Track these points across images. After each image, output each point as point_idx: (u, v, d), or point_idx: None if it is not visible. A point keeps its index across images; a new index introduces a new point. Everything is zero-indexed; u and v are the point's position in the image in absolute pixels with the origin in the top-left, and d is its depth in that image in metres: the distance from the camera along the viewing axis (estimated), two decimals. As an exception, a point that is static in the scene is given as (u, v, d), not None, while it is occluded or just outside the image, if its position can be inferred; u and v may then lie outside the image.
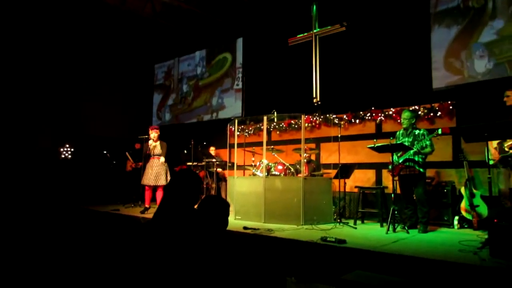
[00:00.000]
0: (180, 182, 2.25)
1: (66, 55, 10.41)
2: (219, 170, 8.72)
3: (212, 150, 9.15)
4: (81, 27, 10.39)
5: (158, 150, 7.21)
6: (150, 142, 7.24)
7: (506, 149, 4.64)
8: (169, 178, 7.11)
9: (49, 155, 9.83)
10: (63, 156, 9.47)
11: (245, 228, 5.26)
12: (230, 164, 7.70)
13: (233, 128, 8.22)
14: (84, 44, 10.70)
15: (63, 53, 10.34)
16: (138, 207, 8.26)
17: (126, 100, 11.82)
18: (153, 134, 7.24)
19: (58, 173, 9.83)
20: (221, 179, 8.89)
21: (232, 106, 10.10)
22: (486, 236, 3.93)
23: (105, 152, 9.79)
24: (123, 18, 10.24)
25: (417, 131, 5.42)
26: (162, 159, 7.22)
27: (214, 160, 8.45)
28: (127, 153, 9.49)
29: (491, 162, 4.78)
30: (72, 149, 9.79)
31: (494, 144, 4.73)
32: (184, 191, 2.21)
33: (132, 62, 11.88)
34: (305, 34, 8.08)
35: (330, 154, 7.68)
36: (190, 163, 8.72)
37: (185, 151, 8.94)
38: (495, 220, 3.63)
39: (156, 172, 7.12)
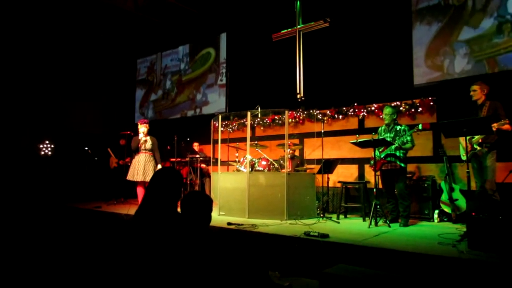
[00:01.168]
0: (161, 180, 2.24)
1: (45, 49, 10.18)
2: (203, 166, 8.70)
3: (195, 146, 9.11)
4: (61, 20, 10.17)
5: (149, 145, 7.00)
6: (141, 136, 6.98)
7: (475, 145, 4.76)
8: None
9: (28, 151, 9.62)
10: (43, 152, 9.28)
11: (229, 223, 5.26)
12: (214, 160, 7.68)
13: (217, 124, 8.17)
14: (64, 38, 10.48)
15: (41, 47, 10.11)
16: (120, 203, 8.18)
17: (108, 95, 11.63)
18: (143, 128, 6.97)
19: (39, 170, 9.64)
20: (205, 175, 8.86)
21: (216, 101, 10.06)
22: (465, 229, 4.02)
23: (86, 148, 9.64)
24: (104, 11, 10.06)
25: (398, 127, 5.51)
26: (158, 157, 7.10)
27: (197, 156, 8.42)
28: (109, 150, 9.37)
29: (464, 158, 4.90)
30: (53, 146, 9.60)
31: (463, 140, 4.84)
32: (165, 189, 2.20)
33: (114, 57, 11.69)
34: (289, 29, 8.09)
35: (314, 150, 7.74)
36: (173, 159, 8.67)
37: (169, 147, 8.88)
38: (473, 214, 3.71)
39: (144, 167, 6.90)
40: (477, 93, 4.88)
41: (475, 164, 4.91)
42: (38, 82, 10.08)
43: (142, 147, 6.98)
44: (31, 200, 8.60)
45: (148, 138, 7.04)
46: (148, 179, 6.79)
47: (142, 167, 6.90)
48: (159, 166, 7.03)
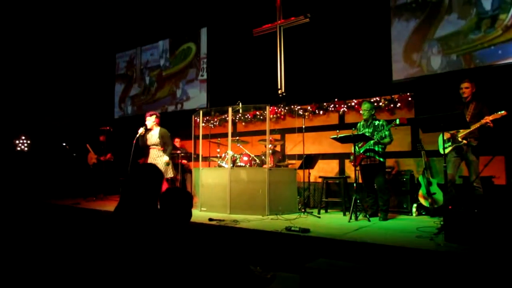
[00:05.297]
0: (141, 176, 2.20)
1: (22, 43, 9.90)
2: (184, 161, 8.63)
3: (177, 142, 9.02)
4: (38, 13, 9.89)
5: (155, 139, 6.16)
6: (141, 130, 6.16)
7: (459, 139, 4.87)
8: (171, 169, 6.21)
9: (4, 147, 9.36)
10: (19, 148, 9.05)
11: (210, 219, 5.24)
12: (195, 156, 7.63)
13: (198, 119, 8.13)
14: (42, 31, 10.21)
15: (18, 41, 9.83)
16: (100, 200, 8.06)
17: (86, 90, 11.40)
18: (148, 121, 6.17)
19: (15, 166, 9.40)
20: (186, 171, 8.80)
21: (197, 97, 9.98)
22: (442, 222, 4.11)
23: (64, 144, 9.45)
24: (82, 4, 9.84)
25: (376, 122, 5.58)
26: (166, 158, 6.12)
27: (179, 151, 8.34)
28: (88, 145, 9.21)
29: (446, 151, 5.00)
30: (29, 141, 9.38)
31: (448, 134, 4.95)
32: (145, 186, 2.17)
33: (92, 51, 11.46)
34: (270, 25, 8.08)
35: (295, 145, 7.78)
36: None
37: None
38: (450, 207, 3.80)
39: (160, 165, 5.93)
40: (469, 90, 4.98)
41: (457, 158, 5.00)
42: (14, 76, 9.80)
43: (148, 142, 6.20)
44: (6, 197, 8.39)
45: (155, 132, 6.22)
46: (167, 175, 6.09)
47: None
48: (165, 159, 6.13)
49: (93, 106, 11.52)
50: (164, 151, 6.17)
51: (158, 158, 6.18)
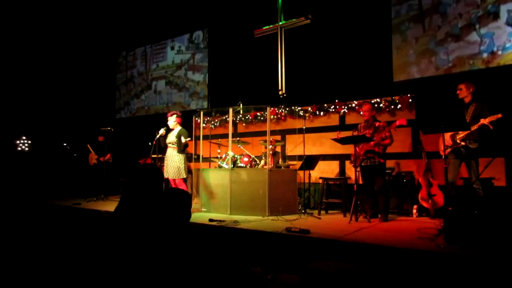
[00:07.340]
0: (141, 177, 2.20)
1: (23, 44, 9.92)
2: (185, 162, 8.64)
3: (177, 142, 9.03)
4: (41, 13, 9.90)
5: (172, 138, 6.19)
6: (161, 131, 6.39)
7: (458, 141, 4.87)
8: (184, 170, 6.15)
9: (4, 147, 9.37)
10: (19, 148, 9.05)
11: (210, 220, 5.24)
12: (196, 156, 7.64)
13: (198, 120, 8.15)
14: (43, 31, 10.22)
15: (19, 41, 9.84)
16: (101, 200, 8.06)
17: (87, 90, 11.41)
18: (169, 121, 6.24)
19: (15, 166, 9.40)
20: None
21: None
22: (443, 224, 4.11)
23: (65, 144, 9.45)
24: (85, 5, 9.85)
25: (377, 123, 5.58)
26: (180, 146, 6.10)
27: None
28: (88, 146, 9.21)
29: (446, 152, 5.01)
30: (30, 141, 9.38)
31: (447, 136, 4.95)
32: (145, 186, 2.17)
33: (94, 51, 11.47)
34: (271, 26, 8.09)
35: (295, 146, 7.78)
36: (155, 155, 8.58)
37: (150, 143, 8.79)
38: (450, 208, 3.80)
39: (173, 165, 6.07)
40: (463, 91, 5.03)
41: (457, 159, 5.00)
42: (15, 75, 9.81)
43: (167, 140, 6.28)
44: (7, 197, 8.39)
45: (175, 130, 6.25)
46: (169, 176, 6.13)
47: (171, 164, 6.09)
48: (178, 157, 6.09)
49: (95, 106, 11.52)
50: (179, 150, 6.12)
51: (171, 157, 6.16)
